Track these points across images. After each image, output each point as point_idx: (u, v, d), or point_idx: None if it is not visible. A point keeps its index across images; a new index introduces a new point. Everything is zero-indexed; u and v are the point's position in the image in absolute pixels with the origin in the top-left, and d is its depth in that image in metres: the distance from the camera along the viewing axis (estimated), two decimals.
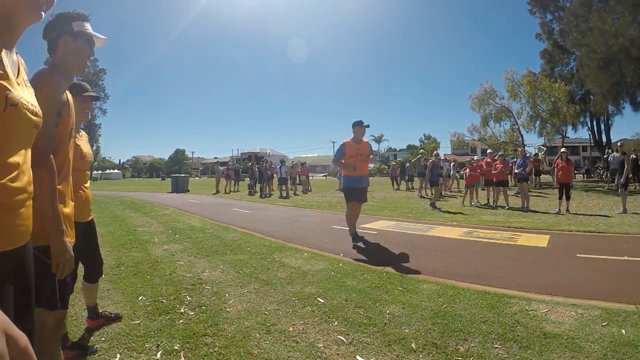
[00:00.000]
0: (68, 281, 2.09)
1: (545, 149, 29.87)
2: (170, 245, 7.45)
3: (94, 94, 3.25)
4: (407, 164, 26.74)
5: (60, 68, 2.07)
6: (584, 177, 34.79)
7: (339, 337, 3.39)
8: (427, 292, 4.45)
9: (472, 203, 14.69)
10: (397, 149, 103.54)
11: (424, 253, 6.68)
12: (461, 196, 15.99)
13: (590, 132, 37.51)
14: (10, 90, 1.32)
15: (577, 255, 6.39)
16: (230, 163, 46.90)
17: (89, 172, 3.36)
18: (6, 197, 1.35)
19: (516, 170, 14.38)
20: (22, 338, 0.78)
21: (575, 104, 29.52)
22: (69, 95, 2.08)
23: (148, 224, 10.48)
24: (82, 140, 3.21)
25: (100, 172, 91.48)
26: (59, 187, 1.94)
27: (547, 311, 3.90)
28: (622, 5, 21.70)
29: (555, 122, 28.43)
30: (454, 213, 12.16)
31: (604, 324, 3.59)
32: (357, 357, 3.07)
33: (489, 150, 18.11)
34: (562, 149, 12.95)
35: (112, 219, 11.57)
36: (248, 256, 6.42)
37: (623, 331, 3.44)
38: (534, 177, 24.46)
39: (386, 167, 70.38)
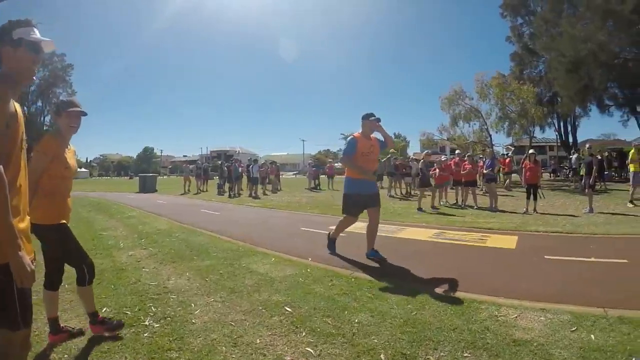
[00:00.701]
0: (29, 300, 2.01)
1: (513, 148, 30.51)
2: (136, 251, 7.25)
3: (81, 110, 3.36)
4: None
5: (6, 79, 1.98)
6: (550, 176, 35.58)
7: (307, 349, 3.31)
8: (396, 299, 4.41)
9: (442, 203, 14.85)
10: None
11: (393, 256, 6.64)
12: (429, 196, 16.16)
13: (557, 133, 38.81)
14: None
15: (545, 257, 6.48)
16: (199, 162, 46.02)
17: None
18: None
19: (484, 171, 14.59)
20: None
21: (543, 106, 30.47)
22: (17, 106, 1.97)
23: (114, 228, 10.23)
24: (69, 154, 3.37)
25: None
26: (12, 201, 1.83)
27: (516, 316, 3.91)
28: (591, 12, 22.41)
29: (524, 123, 29.20)
30: (444, 214, 12.27)
31: (573, 329, 3.62)
32: None
33: (457, 151, 18.38)
34: (531, 151, 13.23)
35: (76, 221, 11.14)
36: (215, 262, 6.28)
37: (592, 336, 3.47)
38: (503, 176, 24.90)
39: None
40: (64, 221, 3.35)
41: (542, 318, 3.86)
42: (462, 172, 14.25)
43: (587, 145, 17.84)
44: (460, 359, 3.09)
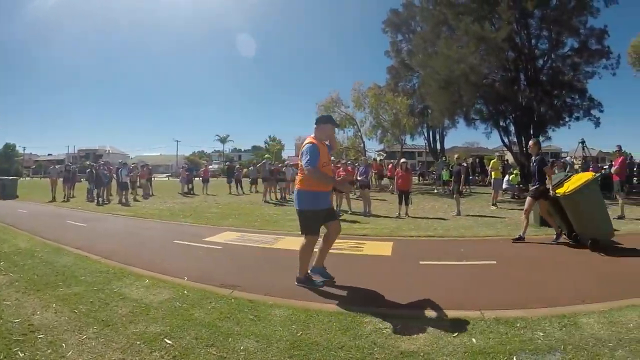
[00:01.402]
0: None
1: (385, 154, 32.11)
2: None
3: None
4: (251, 167, 26.82)
5: None
6: (419, 180, 37.81)
7: None
8: (280, 319, 4.23)
9: None
10: (242, 150, 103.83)
11: (272, 269, 6.54)
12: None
13: (426, 141, 41.56)
14: None
15: (420, 262, 6.74)
16: (68, 162, 41.44)
17: None
18: None
19: (359, 178, 15.09)
20: None
21: (415, 117, 32.51)
22: None
23: None
24: None
25: None
26: None
27: (400, 327, 3.94)
28: (468, 37, 24.40)
29: (396, 132, 30.80)
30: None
31: (455, 334, 3.75)
32: None
33: (332, 158, 18.81)
34: (402, 160, 14.10)
35: None
36: (84, 288, 5.43)
37: (474, 340, 3.63)
38: (376, 181, 26.20)
39: (237, 164, 69.97)
40: None
41: (424, 326, 3.96)
42: (336, 178, 14.59)
43: (456, 155, 19.51)
44: None
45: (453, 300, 4.71)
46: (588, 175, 7.77)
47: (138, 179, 22.81)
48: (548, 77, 26.70)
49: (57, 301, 4.95)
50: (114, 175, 20.68)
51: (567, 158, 34.50)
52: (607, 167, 23.35)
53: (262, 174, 20.63)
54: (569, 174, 8.70)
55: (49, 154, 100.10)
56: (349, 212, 13.84)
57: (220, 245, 8.28)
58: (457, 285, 5.42)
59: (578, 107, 26.38)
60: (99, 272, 6.21)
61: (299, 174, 5.67)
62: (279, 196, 20.24)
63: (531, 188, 8.77)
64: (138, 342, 3.74)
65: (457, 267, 6.33)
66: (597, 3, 25.25)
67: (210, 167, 29.45)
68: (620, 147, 13.38)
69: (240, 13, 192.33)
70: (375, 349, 3.50)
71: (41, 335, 3.95)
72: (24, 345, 3.78)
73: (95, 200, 19.50)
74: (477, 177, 30.16)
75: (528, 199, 8.65)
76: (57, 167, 25.05)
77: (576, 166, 28.09)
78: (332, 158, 18.64)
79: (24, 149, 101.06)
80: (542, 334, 3.76)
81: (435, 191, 23.32)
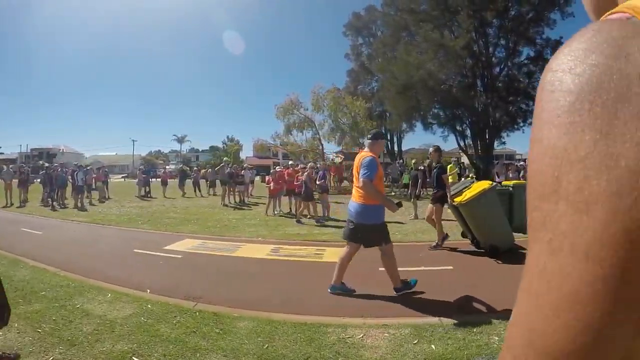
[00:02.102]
0: None
1: (343, 157, 32.46)
2: None
3: None
4: (209, 169, 26.62)
5: None
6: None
7: None
8: (245, 331, 4.32)
9: (275, 212, 15.20)
10: (200, 150, 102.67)
11: (234, 279, 6.58)
12: (263, 204, 16.53)
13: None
14: None
15: (380, 269, 6.82)
16: (23, 163, 39.21)
17: None
18: None
19: (317, 182, 15.23)
20: None
21: (373, 120, 32.92)
22: None
23: None
24: None
25: None
26: None
27: (362, 336, 4.12)
28: (427, 44, 25.04)
29: (354, 135, 30.98)
30: (280, 225, 12.30)
31: (415, 341, 3.95)
32: None
33: (290, 162, 18.94)
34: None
35: None
36: (45, 305, 5.25)
37: (433, 346, 3.84)
38: (335, 183, 26.50)
39: (188, 168, 68.75)
40: None
41: (386, 334, 4.13)
42: (295, 182, 14.71)
43: (413, 160, 19.92)
44: None
45: (412, 307, 4.93)
46: (486, 184, 8.11)
47: (94, 182, 22.24)
48: (504, 84, 27.79)
49: (19, 320, 4.74)
50: (69, 178, 19.89)
51: (522, 163, 35.69)
52: None
53: (221, 177, 20.53)
54: (472, 182, 9.07)
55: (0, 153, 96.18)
56: (309, 216, 13.95)
57: (181, 254, 8.23)
58: (415, 291, 5.59)
59: (532, 113, 27.55)
60: (59, 286, 6.03)
61: (357, 189, 5.59)
62: (237, 199, 20.18)
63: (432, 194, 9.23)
64: None
65: (415, 273, 6.45)
66: (554, 15, 26.63)
67: (167, 167, 28.81)
68: None
69: (199, 13, 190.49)
70: (340, 359, 3.67)
71: None
72: None
73: (50, 205, 18.65)
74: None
75: (429, 206, 9.04)
76: (10, 168, 23.61)
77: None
78: (291, 162, 18.93)
79: None
80: (497, 338, 4.00)
81: (392, 193, 23.67)
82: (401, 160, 32.02)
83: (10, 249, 8.77)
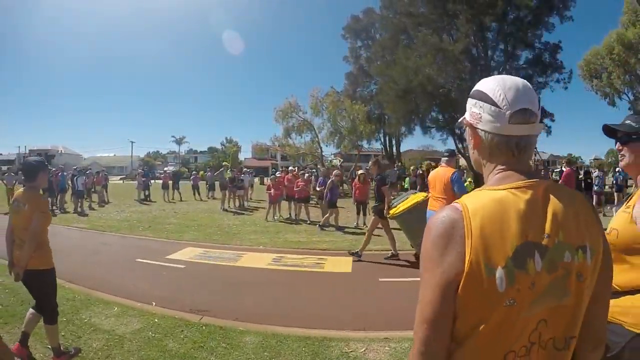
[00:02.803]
0: None
1: (342, 159, 32.72)
2: None
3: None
4: (208, 173, 26.68)
5: None
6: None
7: None
8: (252, 346, 4.44)
9: (275, 218, 15.40)
10: (199, 151, 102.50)
11: (237, 291, 6.72)
12: (263, 209, 16.91)
13: (383, 146, 42.66)
14: None
15: (380, 279, 7.08)
16: (17, 163, 39.30)
17: None
18: None
19: (317, 188, 15.40)
20: None
21: (372, 123, 33.08)
22: None
23: None
24: None
25: None
26: None
27: (364, 350, 4.26)
28: (426, 48, 25.25)
29: (353, 138, 31.17)
30: (280, 231, 12.41)
31: (363, 350, 4.24)
32: None
33: (290, 167, 19.09)
34: (360, 171, 14.50)
35: None
36: None
37: None
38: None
39: (186, 170, 68.56)
40: None
41: (387, 348, 4.27)
42: (295, 188, 14.88)
43: (412, 167, 20.20)
44: None
45: (412, 319, 5.01)
46: (420, 197, 8.30)
47: (94, 186, 22.25)
48: None
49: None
50: (69, 183, 19.79)
51: None
52: (557, 169, 24.77)
53: (221, 182, 20.63)
54: (409, 194, 9.30)
55: None
56: (308, 222, 14.19)
57: (184, 264, 8.31)
58: (415, 303, 5.69)
59: None
60: (65, 299, 5.90)
61: (440, 199, 6.36)
62: (237, 204, 20.28)
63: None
64: None
65: (415, 283, 6.59)
66: (553, 19, 26.88)
67: (166, 168, 28.76)
68: (570, 156, 14.21)
69: (198, 13, 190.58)
70: None
71: None
72: None
73: (50, 210, 18.44)
74: None
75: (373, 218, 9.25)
76: (8, 169, 23.61)
77: None
78: (290, 168, 19.08)
79: None
80: None
81: (392, 197, 23.95)
82: (399, 163, 32.16)
83: None
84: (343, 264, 8.37)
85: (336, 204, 13.53)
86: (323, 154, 33.68)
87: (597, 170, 18.81)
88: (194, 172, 27.04)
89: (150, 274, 7.73)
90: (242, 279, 7.43)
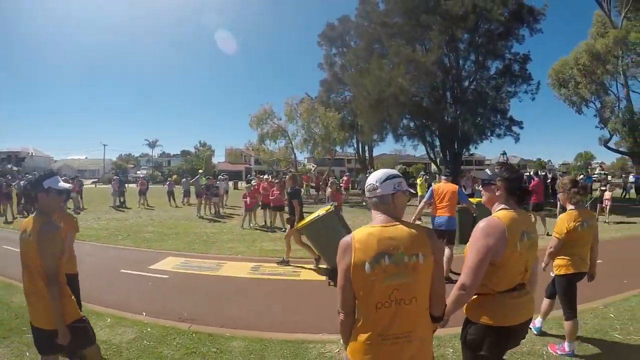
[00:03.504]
0: None
1: (315, 166, 33.49)
2: None
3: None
4: (184, 179, 26.86)
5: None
6: (346, 191, 39.18)
7: None
8: (239, 350, 4.98)
9: (251, 225, 16.04)
10: (172, 154, 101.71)
11: (221, 299, 7.19)
12: (238, 215, 17.68)
13: (356, 151, 43.70)
14: None
15: None
16: None
17: None
18: None
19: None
20: None
21: (345, 130, 33.82)
22: None
23: None
24: None
25: None
26: None
27: (338, 350, 4.84)
28: (399, 58, 26.02)
29: (326, 145, 31.86)
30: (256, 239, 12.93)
31: None
32: None
33: (265, 176, 19.62)
34: (331, 179, 15.05)
35: None
36: None
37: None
38: (307, 192, 27.41)
39: (159, 174, 67.98)
40: None
41: None
42: (270, 197, 15.43)
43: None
44: None
45: None
46: (324, 210, 8.86)
47: (70, 193, 22.12)
48: (473, 96, 28.96)
49: (28, 349, 4.80)
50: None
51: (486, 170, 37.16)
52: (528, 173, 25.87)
53: (196, 189, 21.04)
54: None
55: None
56: (283, 229, 14.52)
57: (167, 274, 8.66)
58: None
59: (500, 125, 28.86)
60: None
61: (446, 207, 8.31)
62: (212, 211, 20.69)
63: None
64: None
65: None
66: (523, 30, 28.15)
67: (139, 172, 28.70)
68: (540, 161, 14.85)
69: (171, 17, 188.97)
70: None
71: None
72: None
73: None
74: None
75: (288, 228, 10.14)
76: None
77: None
78: (265, 176, 19.57)
79: None
80: (451, 350, 4.84)
81: (364, 204, 24.52)
82: (372, 169, 32.83)
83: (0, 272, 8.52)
84: (317, 273, 8.96)
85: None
86: (297, 159, 34.41)
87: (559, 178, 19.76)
88: (169, 180, 26.99)
89: (136, 285, 8.02)
90: (224, 288, 7.90)
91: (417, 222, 13.26)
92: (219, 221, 18.09)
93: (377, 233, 2.22)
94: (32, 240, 3.26)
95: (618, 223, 16.92)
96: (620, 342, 5.13)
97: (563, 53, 35.03)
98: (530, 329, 5.22)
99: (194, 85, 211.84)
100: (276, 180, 17.48)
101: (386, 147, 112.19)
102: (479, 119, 28.47)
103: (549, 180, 24.60)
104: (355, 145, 44.53)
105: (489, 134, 29.28)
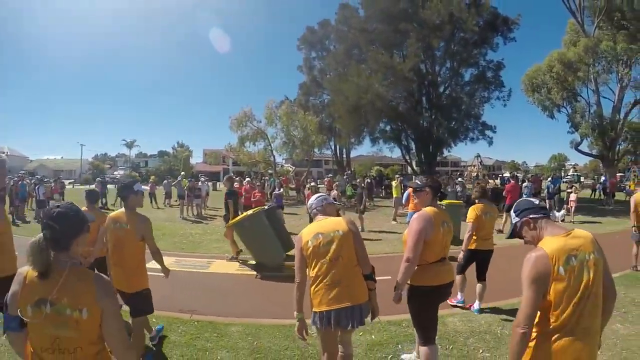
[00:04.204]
0: None
1: (294, 167, 34.28)
2: None
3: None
4: (165, 181, 27.18)
5: None
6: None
7: None
8: (237, 334, 5.78)
9: None
10: (149, 155, 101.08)
11: (215, 292, 8.01)
12: (219, 216, 18.26)
13: (333, 153, 44.64)
14: None
15: None
16: None
17: None
18: None
19: (275, 193, 16.95)
20: None
21: (323, 133, 34.78)
22: None
23: None
24: None
25: None
26: None
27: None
28: (377, 65, 27.22)
29: (305, 148, 32.65)
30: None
31: (361, 333, 5.64)
32: None
33: (247, 179, 20.28)
34: (312, 183, 15.86)
35: None
36: None
37: (373, 336, 5.64)
38: (287, 193, 28.34)
39: (137, 174, 67.49)
40: None
41: None
42: (252, 199, 16.12)
43: (358, 180, 21.81)
44: None
45: None
46: (251, 210, 9.98)
47: (52, 194, 22.36)
48: (448, 102, 30.20)
49: None
50: (33, 192, 20.24)
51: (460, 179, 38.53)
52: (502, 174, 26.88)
53: (178, 191, 21.66)
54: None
55: None
56: None
57: (162, 272, 9.41)
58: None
59: (473, 129, 30.14)
60: None
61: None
62: (195, 212, 21.30)
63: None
64: None
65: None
66: (497, 39, 29.76)
67: (116, 172, 28.84)
68: (514, 162, 15.80)
69: (148, 15, 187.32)
70: (309, 348, 5.28)
71: None
72: None
73: (12, 220, 18.38)
74: (381, 190, 32.74)
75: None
76: None
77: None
78: (248, 179, 20.24)
79: None
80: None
81: (340, 205, 25.40)
82: (349, 171, 33.70)
83: None
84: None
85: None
86: (276, 161, 35.16)
87: (527, 181, 21.01)
88: (150, 182, 27.21)
89: None
90: (216, 283, 8.76)
91: (393, 223, 14.02)
92: (202, 222, 18.78)
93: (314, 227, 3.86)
94: (130, 229, 4.55)
95: (582, 222, 17.97)
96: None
97: (538, 59, 36.10)
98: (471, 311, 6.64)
99: (172, 85, 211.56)
100: (257, 183, 18.21)
101: (363, 149, 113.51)
102: (454, 123, 29.78)
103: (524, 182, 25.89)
104: (332, 147, 45.46)
105: (462, 138, 30.65)
